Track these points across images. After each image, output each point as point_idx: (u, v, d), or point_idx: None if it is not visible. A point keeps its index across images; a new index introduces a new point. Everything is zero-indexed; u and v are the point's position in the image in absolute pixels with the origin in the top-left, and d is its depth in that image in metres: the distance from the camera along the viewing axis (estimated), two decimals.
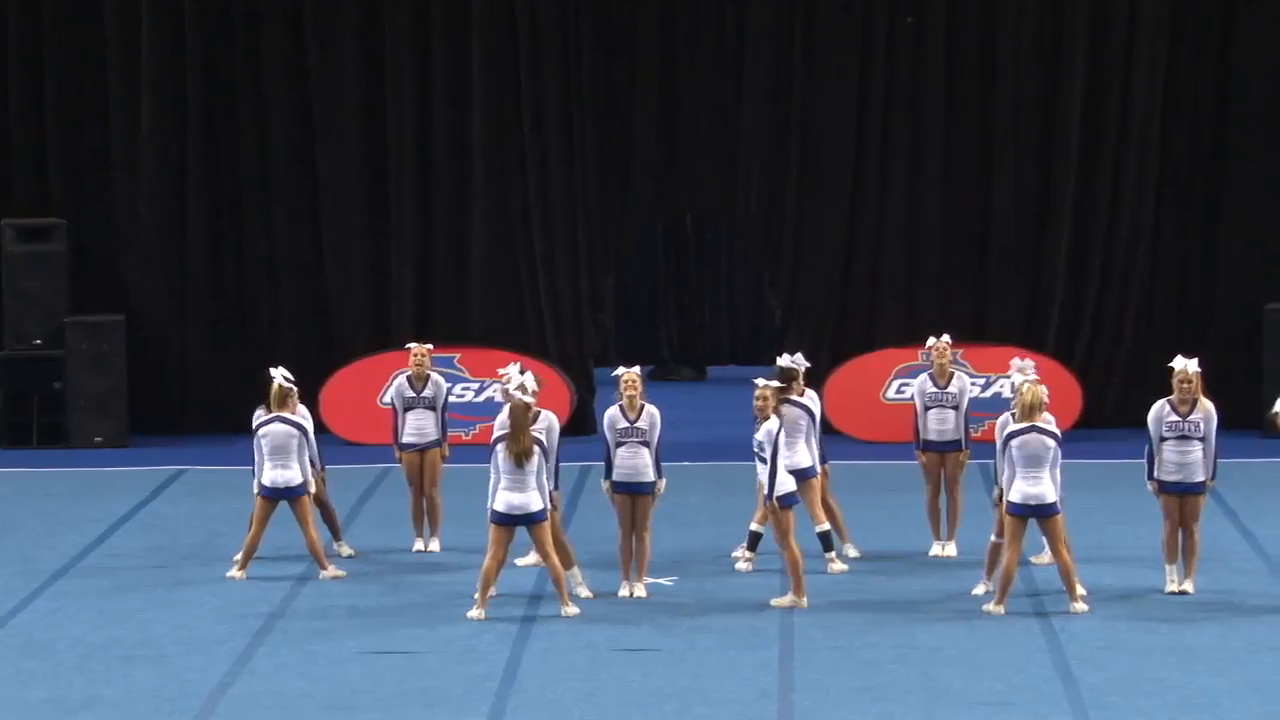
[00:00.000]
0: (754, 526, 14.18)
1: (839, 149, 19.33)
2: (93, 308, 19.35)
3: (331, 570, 14.16)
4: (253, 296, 19.61)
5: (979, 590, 13.42)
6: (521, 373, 13.39)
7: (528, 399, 13.11)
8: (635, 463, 13.52)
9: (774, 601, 13.23)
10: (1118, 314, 19.45)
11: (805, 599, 13.19)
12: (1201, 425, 13.49)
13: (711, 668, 12.07)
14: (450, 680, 11.89)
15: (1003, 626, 12.88)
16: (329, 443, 17.43)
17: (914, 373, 19.04)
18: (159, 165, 19.42)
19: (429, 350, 15.05)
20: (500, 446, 13.03)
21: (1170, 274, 19.47)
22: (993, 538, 13.35)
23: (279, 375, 14.20)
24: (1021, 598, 13.46)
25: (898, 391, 19.02)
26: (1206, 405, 13.55)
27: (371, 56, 19.39)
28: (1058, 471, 13.01)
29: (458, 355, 19.24)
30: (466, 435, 18.94)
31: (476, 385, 19.19)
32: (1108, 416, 19.31)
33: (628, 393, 13.58)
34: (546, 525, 13.09)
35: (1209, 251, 19.43)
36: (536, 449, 13.00)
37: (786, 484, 13.12)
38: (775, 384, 13.49)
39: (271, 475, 14.03)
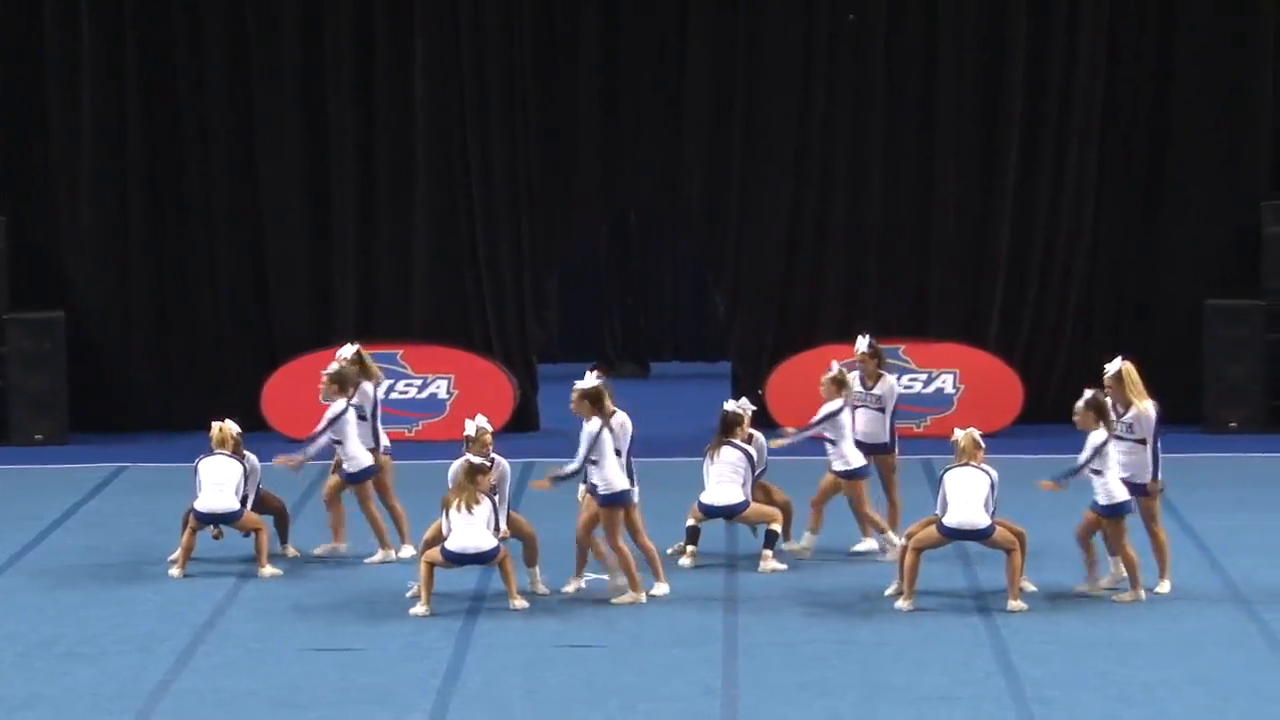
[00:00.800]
0: (691, 522, 14.25)
1: (781, 148, 19.34)
2: (32, 304, 19.24)
3: (270, 569, 14.13)
4: (194, 293, 19.52)
5: (891, 590, 13.43)
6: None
7: (481, 461, 13.12)
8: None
9: (615, 600, 13.30)
10: (1058, 310, 19.51)
11: (643, 594, 13.29)
12: (1134, 426, 13.49)
13: (655, 664, 12.07)
14: (394, 677, 11.86)
15: (945, 622, 12.91)
16: (273, 439, 17.38)
17: (856, 368, 19.12)
18: (99, 163, 19.31)
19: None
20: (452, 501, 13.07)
21: (1110, 270, 19.54)
22: (901, 540, 13.43)
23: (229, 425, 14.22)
24: (964, 596, 13.49)
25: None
26: (1142, 406, 13.53)
27: (312, 55, 19.31)
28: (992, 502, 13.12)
29: (400, 352, 19.19)
30: (410, 432, 18.90)
31: (419, 381, 19.15)
32: (1048, 412, 19.35)
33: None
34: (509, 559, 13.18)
35: (1148, 248, 19.51)
36: (484, 498, 13.05)
37: (616, 483, 13.18)
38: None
39: (208, 502, 14.04)
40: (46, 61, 19.24)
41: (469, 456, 13.27)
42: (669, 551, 14.36)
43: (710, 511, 14.23)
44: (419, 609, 13.10)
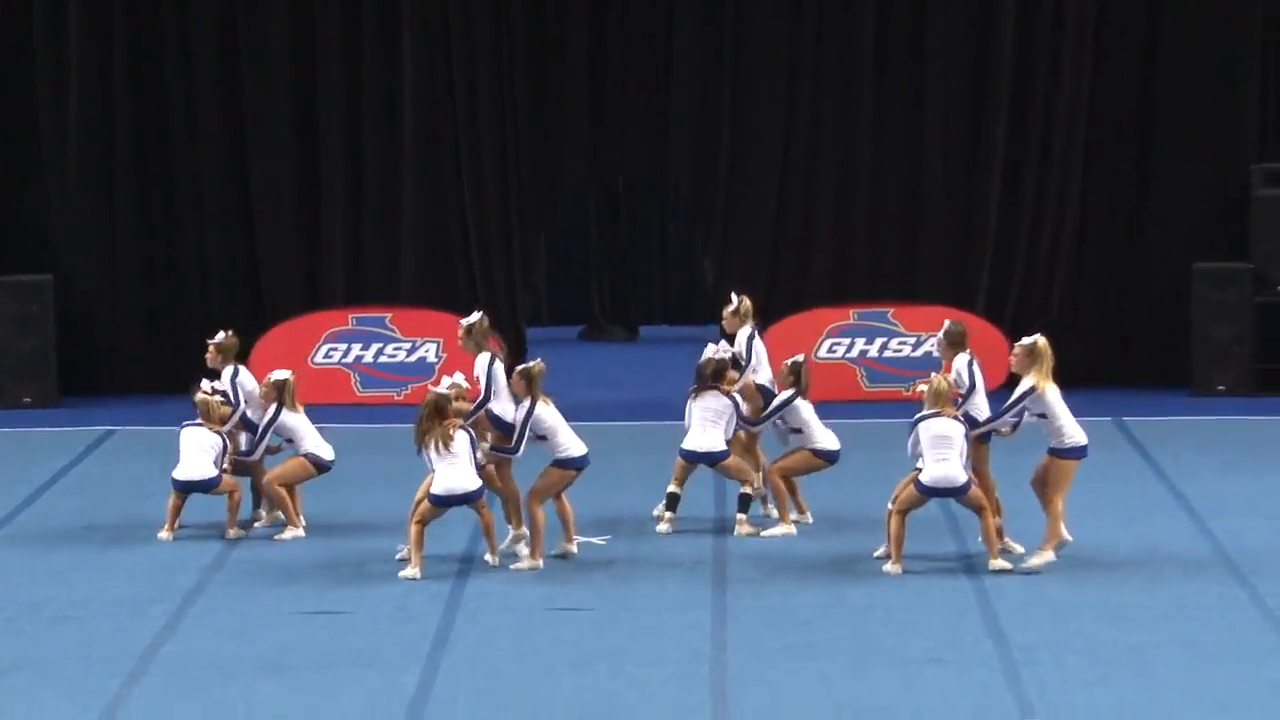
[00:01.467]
0: (672, 488, 14.23)
1: (770, 112, 19.33)
2: (20, 268, 19.21)
3: (236, 531, 14.15)
4: (183, 256, 19.51)
5: (879, 553, 13.43)
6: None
7: (443, 393, 13.13)
8: None
9: (513, 566, 13.30)
10: (1047, 273, 19.52)
11: (540, 561, 13.24)
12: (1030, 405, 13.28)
13: (644, 628, 12.09)
14: (383, 640, 11.88)
15: (933, 585, 12.93)
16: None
17: (845, 332, 19.16)
18: (87, 125, 19.28)
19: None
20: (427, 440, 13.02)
21: (1098, 235, 19.56)
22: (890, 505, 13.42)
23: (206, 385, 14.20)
24: (951, 560, 13.52)
25: (829, 350, 19.08)
26: (1043, 385, 13.31)
27: (301, 18, 19.28)
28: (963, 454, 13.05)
29: (389, 315, 19.19)
30: (398, 396, 18.91)
31: (408, 345, 19.14)
32: None
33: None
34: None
35: (1137, 212, 19.52)
36: (462, 433, 13.02)
37: (574, 449, 13.22)
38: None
39: (185, 471, 14.03)
40: (33, 32, 19.19)
41: (432, 389, 13.23)
42: (654, 513, 14.37)
43: (689, 457, 14.15)
44: (410, 571, 13.11)
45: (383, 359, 18.90)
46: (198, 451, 14.11)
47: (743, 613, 12.37)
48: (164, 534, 14.16)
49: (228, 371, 14.39)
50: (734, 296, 14.83)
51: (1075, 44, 19.21)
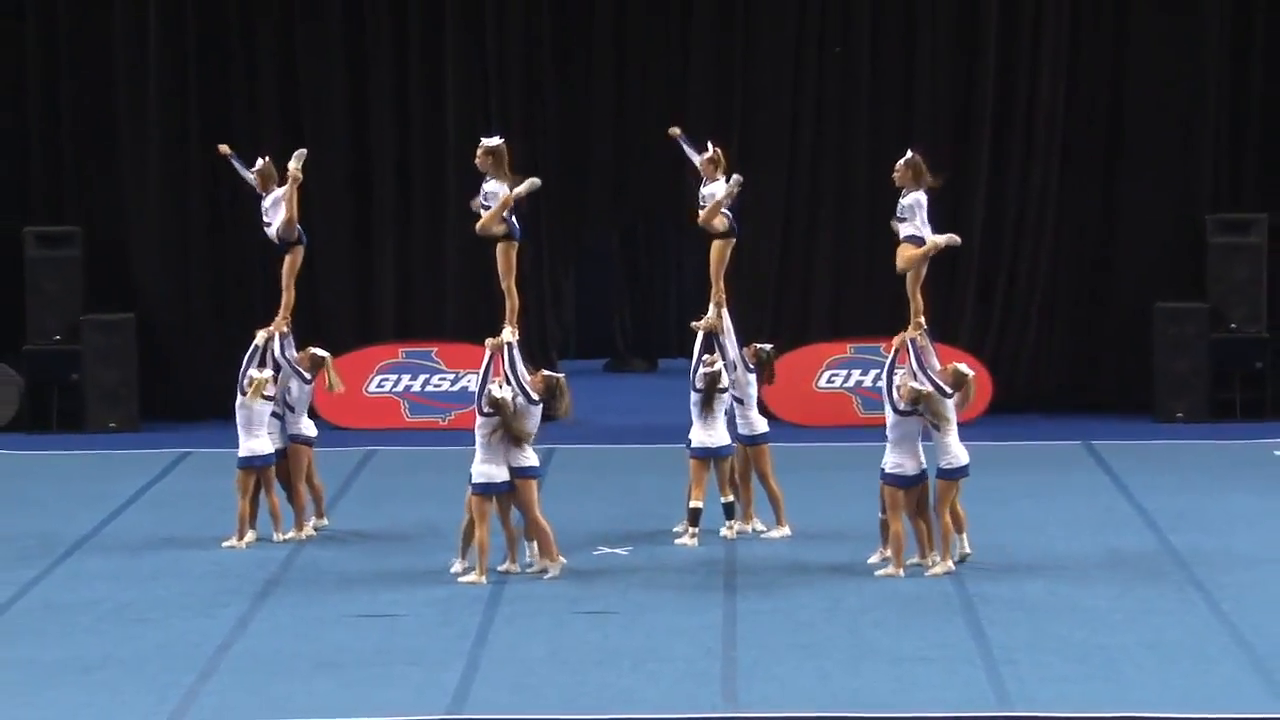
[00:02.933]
0: (694, 504, 14.16)
1: (775, 166, 19.34)
2: (106, 307, 19.27)
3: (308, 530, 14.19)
4: (249, 296, 19.53)
5: (874, 559, 13.41)
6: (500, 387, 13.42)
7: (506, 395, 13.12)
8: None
9: (546, 577, 13.15)
10: (1023, 312, 19.51)
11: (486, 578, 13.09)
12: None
13: (662, 628, 12.07)
14: (428, 640, 11.87)
15: (922, 590, 12.90)
16: (320, 428, 17.37)
17: (842, 364, 19.14)
18: (164, 178, 19.34)
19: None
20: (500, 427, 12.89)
21: (1070, 276, 19.54)
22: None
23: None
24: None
25: (828, 381, 19.08)
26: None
27: (355, 81, 19.34)
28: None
29: (435, 349, 19.21)
30: (443, 421, 18.92)
31: (452, 376, 19.15)
32: (1014, 403, 19.39)
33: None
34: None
35: (1104, 257, 19.50)
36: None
37: (528, 458, 13.08)
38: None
39: (249, 446, 14.03)
40: (116, 91, 19.25)
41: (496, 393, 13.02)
42: (675, 530, 14.31)
43: (698, 453, 14.06)
44: (475, 576, 12.97)
45: (429, 388, 18.92)
46: (253, 423, 14.04)
47: (750, 615, 12.35)
48: (234, 542, 14.15)
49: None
50: (710, 146, 14.36)
51: (1049, 102, 19.22)
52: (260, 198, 14.62)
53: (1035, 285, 19.46)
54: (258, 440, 14.18)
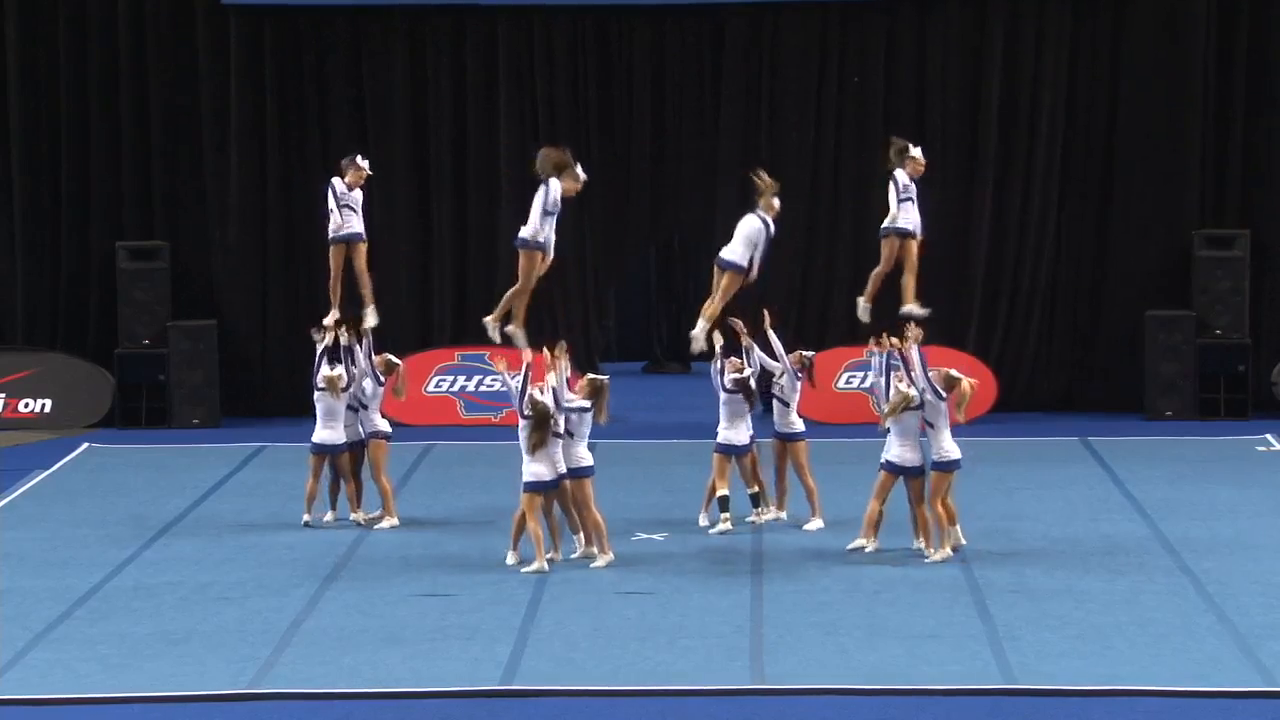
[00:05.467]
0: (723, 492, 14.15)
1: (798, 183, 19.31)
2: (190, 314, 19.35)
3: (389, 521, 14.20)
4: (320, 304, 19.56)
5: (861, 544, 13.34)
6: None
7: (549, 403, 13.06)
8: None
9: (592, 565, 13.03)
10: (1025, 319, 19.45)
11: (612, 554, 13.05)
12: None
13: (695, 607, 12.06)
14: (482, 618, 11.89)
15: (932, 573, 12.87)
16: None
17: (860, 367, 19.07)
18: (243, 197, 19.41)
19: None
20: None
21: (1068, 286, 19.47)
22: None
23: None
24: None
25: (846, 382, 19.04)
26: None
27: (417, 108, 19.38)
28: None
29: (488, 353, 19.23)
30: (495, 418, 18.94)
31: (502, 377, 19.11)
32: (1016, 403, 19.32)
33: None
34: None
35: (1100, 268, 19.43)
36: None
37: (584, 458, 12.96)
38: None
39: (321, 434, 14.09)
40: (201, 119, 19.33)
41: (539, 398, 12.96)
42: (701, 522, 14.27)
43: (723, 450, 14.04)
44: (538, 564, 12.87)
45: (482, 388, 18.94)
46: (330, 419, 14.09)
47: (776, 595, 12.33)
48: (328, 516, 14.25)
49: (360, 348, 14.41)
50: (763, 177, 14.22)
51: (1049, 127, 19.16)
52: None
53: (1036, 295, 19.40)
54: (331, 430, 14.22)
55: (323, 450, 14.25)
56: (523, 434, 13.01)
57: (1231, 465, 16.63)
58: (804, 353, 14.40)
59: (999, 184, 19.27)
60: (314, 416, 14.51)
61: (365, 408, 14.47)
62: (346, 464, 14.37)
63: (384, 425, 14.53)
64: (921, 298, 19.24)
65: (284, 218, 19.53)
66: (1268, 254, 19.18)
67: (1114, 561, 13.20)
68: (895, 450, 13.13)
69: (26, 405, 19.24)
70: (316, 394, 14.33)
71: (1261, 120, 19.16)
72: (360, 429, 14.45)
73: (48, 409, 19.24)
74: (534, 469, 12.99)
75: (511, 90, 19.32)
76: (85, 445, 18.08)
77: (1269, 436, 17.81)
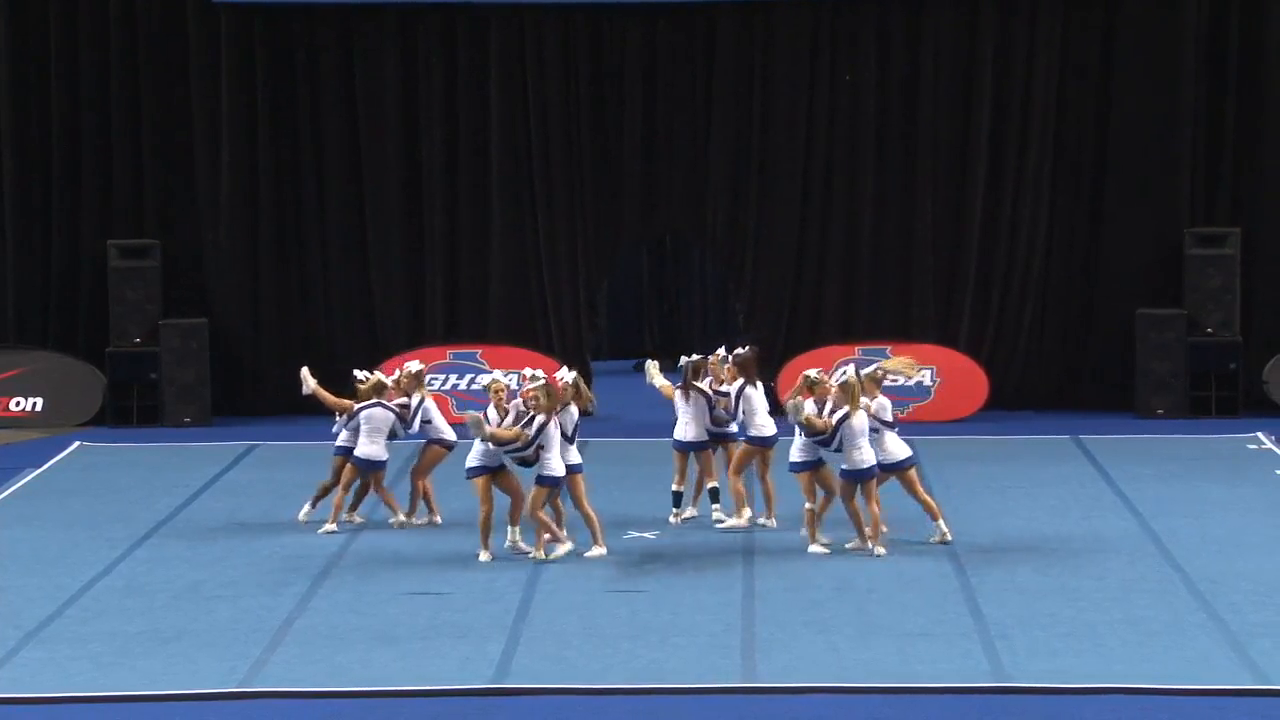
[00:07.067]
0: (711, 484, 14.13)
1: (789, 182, 19.35)
2: (181, 313, 19.33)
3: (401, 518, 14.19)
4: (310, 302, 19.61)
5: (852, 545, 13.36)
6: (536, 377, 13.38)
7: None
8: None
9: (586, 554, 13.08)
10: (1016, 319, 19.47)
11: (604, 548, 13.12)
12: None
13: (686, 605, 12.06)
14: (474, 616, 11.88)
15: (924, 571, 12.88)
16: None
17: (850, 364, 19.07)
18: (234, 196, 19.41)
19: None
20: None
21: (1059, 285, 19.50)
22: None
23: (363, 375, 14.23)
24: (939, 553, 13.46)
25: (837, 380, 18.97)
26: (856, 414, 13.13)
27: (409, 107, 19.38)
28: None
29: (480, 351, 19.23)
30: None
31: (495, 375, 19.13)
32: (1008, 401, 19.34)
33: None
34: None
35: (1092, 267, 19.46)
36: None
37: (555, 468, 12.98)
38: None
39: (366, 449, 14.00)
40: (192, 118, 19.33)
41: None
42: (713, 517, 14.28)
43: (679, 446, 14.01)
44: (566, 546, 13.00)
45: (475, 386, 18.93)
46: (373, 432, 14.05)
47: (767, 593, 12.33)
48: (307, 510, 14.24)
49: (414, 399, 14.23)
50: (724, 352, 14.15)
51: (1040, 129, 19.19)
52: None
53: (1028, 294, 19.43)
54: (374, 446, 14.17)
55: (358, 463, 14.14)
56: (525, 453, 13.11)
57: (1222, 463, 16.65)
58: (810, 375, 14.05)
59: (990, 182, 19.29)
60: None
61: (430, 422, 14.30)
62: (380, 478, 14.29)
63: (449, 434, 14.46)
64: (915, 305, 19.30)
65: (276, 216, 19.52)
66: (1258, 252, 19.22)
67: (1105, 559, 13.21)
68: (853, 457, 13.09)
69: (18, 404, 19.23)
70: (365, 413, 14.14)
71: (1252, 119, 19.19)
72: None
73: (39, 407, 19.24)
74: (553, 464, 13.05)
75: (503, 88, 19.32)
76: (76, 444, 18.07)
77: (1260, 434, 17.84)
